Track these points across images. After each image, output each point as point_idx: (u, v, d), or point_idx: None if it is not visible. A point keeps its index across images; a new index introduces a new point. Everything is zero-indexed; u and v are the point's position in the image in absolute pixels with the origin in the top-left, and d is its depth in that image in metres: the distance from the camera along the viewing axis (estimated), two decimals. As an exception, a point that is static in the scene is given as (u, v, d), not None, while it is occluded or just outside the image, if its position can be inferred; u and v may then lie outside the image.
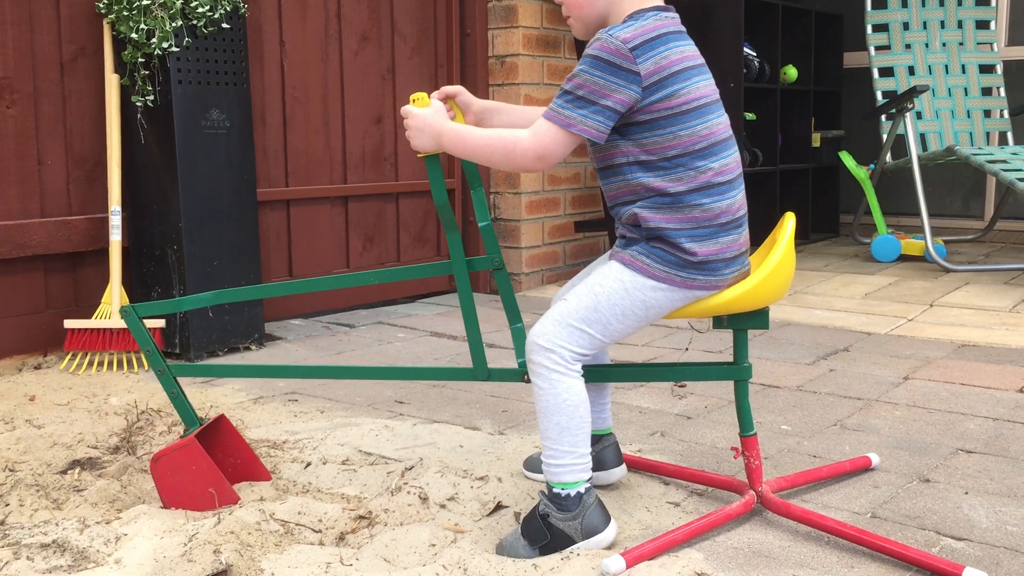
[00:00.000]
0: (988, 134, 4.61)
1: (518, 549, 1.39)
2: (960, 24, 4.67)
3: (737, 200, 1.42)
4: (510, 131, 1.40)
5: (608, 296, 1.40)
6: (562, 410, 1.38)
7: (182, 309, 1.63)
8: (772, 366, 2.49)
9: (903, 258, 4.30)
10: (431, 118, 1.43)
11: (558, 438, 1.39)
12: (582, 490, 1.39)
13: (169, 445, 1.60)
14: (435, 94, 1.51)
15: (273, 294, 1.66)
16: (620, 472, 1.65)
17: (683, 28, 1.42)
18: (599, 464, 1.64)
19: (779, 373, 2.41)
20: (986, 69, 4.64)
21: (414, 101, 1.45)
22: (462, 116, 1.55)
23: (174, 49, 2.47)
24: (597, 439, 1.64)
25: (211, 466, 1.55)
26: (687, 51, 1.39)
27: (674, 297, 1.41)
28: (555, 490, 1.40)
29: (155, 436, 1.92)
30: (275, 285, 1.69)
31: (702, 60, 1.42)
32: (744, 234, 1.44)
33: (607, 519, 1.41)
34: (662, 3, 1.43)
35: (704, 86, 1.39)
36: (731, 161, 1.41)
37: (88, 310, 2.58)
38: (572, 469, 1.39)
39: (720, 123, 1.41)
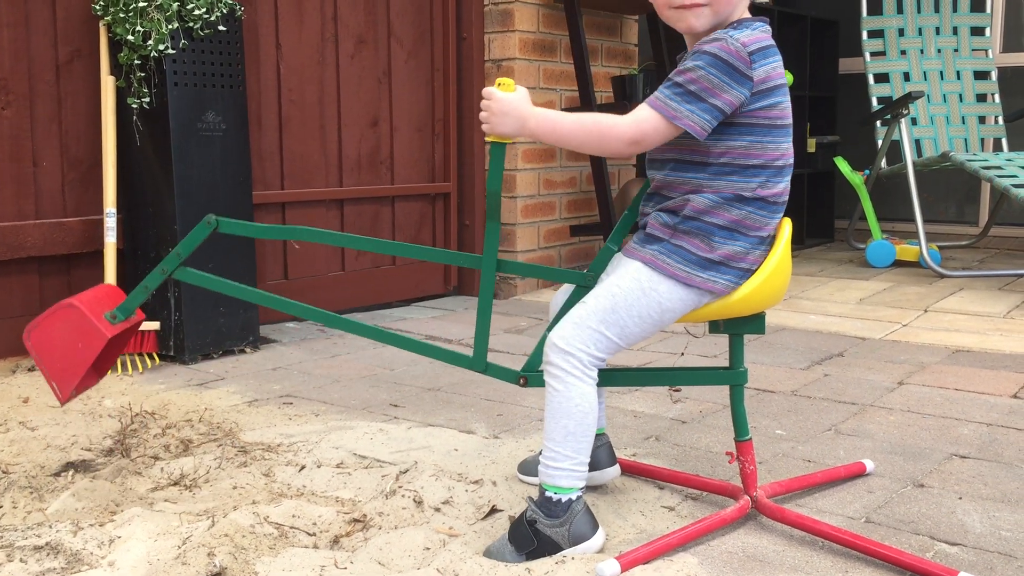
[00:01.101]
0: (983, 140, 4.62)
1: (505, 555, 1.39)
2: (955, 31, 4.69)
3: (777, 222, 1.45)
4: (605, 115, 1.38)
5: (625, 297, 1.40)
6: (572, 415, 1.38)
7: (259, 235, 1.57)
8: (767, 371, 2.49)
9: (898, 263, 4.32)
10: (517, 101, 1.37)
11: (562, 441, 1.39)
12: (573, 497, 1.39)
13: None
14: None
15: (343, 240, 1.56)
16: (614, 472, 1.65)
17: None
18: (593, 464, 1.63)
19: (774, 378, 2.42)
20: (981, 75, 4.66)
21: (499, 85, 1.38)
22: None
23: (170, 51, 2.46)
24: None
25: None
26: (781, 67, 1.41)
27: (688, 299, 1.41)
28: (547, 493, 1.40)
29: (149, 439, 1.91)
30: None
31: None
32: (767, 254, 1.45)
33: (595, 526, 1.41)
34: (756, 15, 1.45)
35: (788, 106, 1.41)
36: (788, 186, 1.44)
37: (83, 312, 2.57)
38: (569, 475, 1.39)
39: (790, 148, 1.42)
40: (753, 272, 1.43)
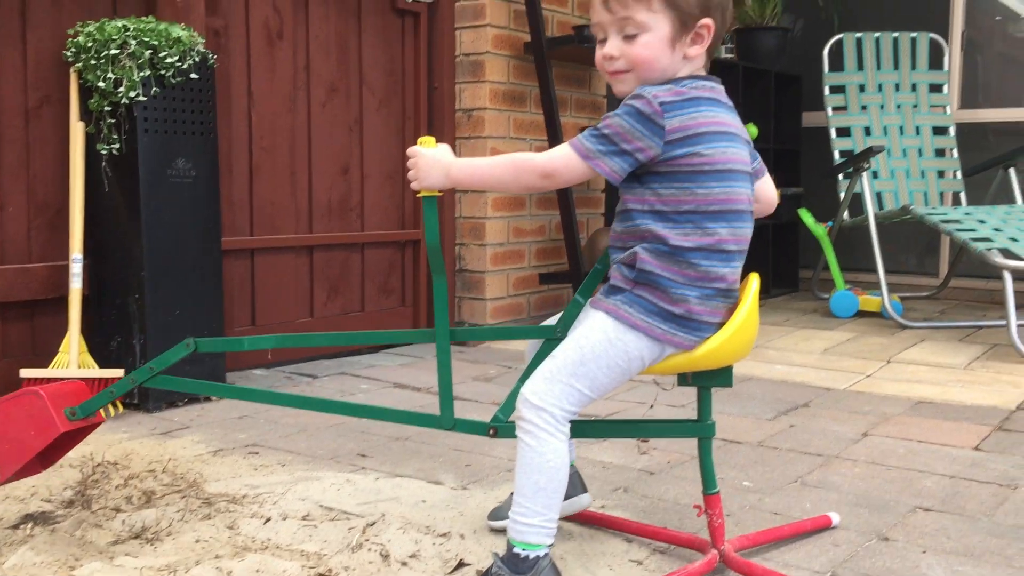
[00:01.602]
0: (942, 194, 4.73)
1: None
2: (914, 87, 4.81)
3: (735, 271, 1.46)
4: (521, 152, 1.46)
5: (593, 348, 1.42)
6: (543, 470, 1.39)
7: (241, 348, 1.64)
8: (734, 421, 2.50)
9: (861, 314, 4.38)
10: (439, 154, 1.46)
11: (533, 497, 1.39)
12: (541, 554, 1.39)
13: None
14: None
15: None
16: (586, 500, 1.68)
17: (722, 98, 1.47)
18: (570, 490, 1.65)
19: (741, 428, 2.43)
20: (939, 131, 4.78)
21: (421, 143, 1.48)
22: None
23: (141, 98, 2.47)
24: None
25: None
26: (720, 117, 1.43)
27: (653, 349, 1.43)
28: (515, 549, 1.39)
29: (111, 489, 1.88)
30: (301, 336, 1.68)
31: (737, 130, 1.46)
32: (730, 305, 1.47)
33: None
34: (707, 74, 1.49)
35: (732, 153, 1.43)
36: (743, 233, 1.45)
37: (46, 359, 2.54)
38: (539, 531, 1.39)
39: (741, 193, 1.44)
40: (717, 325, 1.45)
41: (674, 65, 1.45)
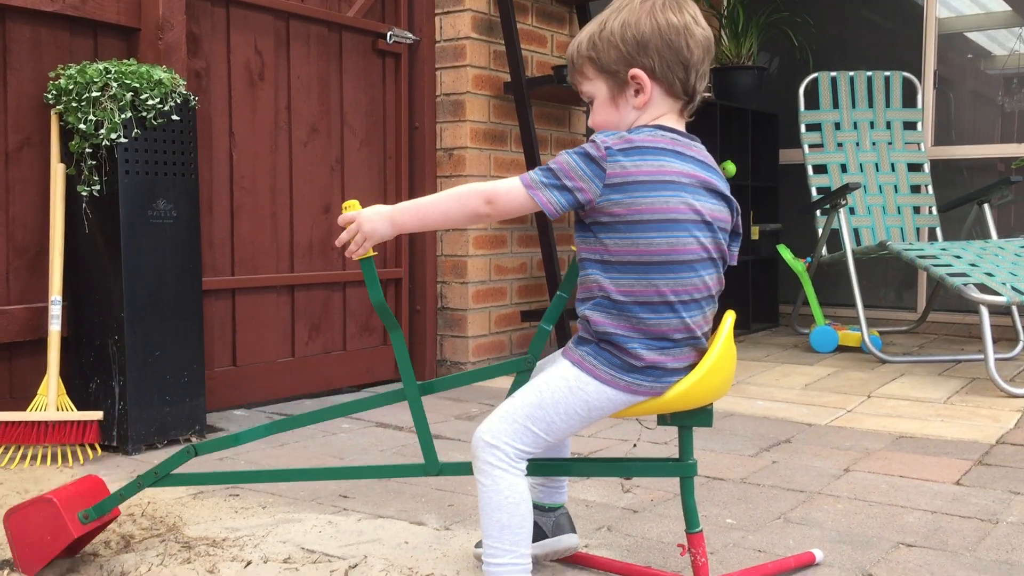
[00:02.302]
0: (918, 230, 4.79)
1: None
2: (888, 125, 4.89)
3: (695, 320, 1.44)
4: (461, 186, 1.48)
5: (552, 394, 1.43)
6: (504, 508, 1.39)
7: (239, 443, 1.67)
8: (716, 457, 2.51)
9: (841, 349, 4.40)
10: (373, 208, 1.50)
11: (499, 536, 1.40)
12: None
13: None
14: None
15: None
16: (576, 538, 1.68)
17: (684, 149, 1.45)
18: (557, 530, 1.67)
19: (723, 465, 2.43)
20: (914, 168, 4.85)
21: (347, 208, 1.51)
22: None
23: (122, 140, 2.47)
24: (554, 508, 1.68)
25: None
26: (670, 166, 1.42)
27: (616, 399, 1.43)
28: None
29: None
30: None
31: (697, 182, 1.44)
32: (699, 349, 1.47)
33: None
34: (674, 123, 1.48)
35: (676, 202, 1.41)
36: (696, 282, 1.43)
37: (23, 402, 2.51)
38: (512, 569, 1.39)
39: (687, 243, 1.42)
40: (689, 367, 1.45)
41: (625, 119, 1.49)
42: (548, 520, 1.68)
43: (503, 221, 3.88)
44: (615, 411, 1.46)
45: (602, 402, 1.43)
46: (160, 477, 1.68)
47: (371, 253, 1.52)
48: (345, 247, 1.51)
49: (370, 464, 1.69)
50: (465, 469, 1.57)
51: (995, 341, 3.55)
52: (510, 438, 1.41)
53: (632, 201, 1.39)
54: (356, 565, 1.70)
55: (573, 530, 1.69)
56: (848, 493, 2.18)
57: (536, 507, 1.66)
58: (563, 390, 1.43)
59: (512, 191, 1.44)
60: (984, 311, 3.39)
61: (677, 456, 1.53)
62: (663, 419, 1.51)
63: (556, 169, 1.42)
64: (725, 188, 1.49)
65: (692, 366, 1.46)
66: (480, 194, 1.45)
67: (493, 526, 1.40)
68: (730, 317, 1.51)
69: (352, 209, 1.51)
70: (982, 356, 3.54)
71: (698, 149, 1.48)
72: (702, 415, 1.49)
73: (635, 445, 2.65)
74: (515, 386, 1.55)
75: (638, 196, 1.40)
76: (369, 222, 1.48)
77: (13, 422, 2.40)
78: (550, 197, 1.41)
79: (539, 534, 1.66)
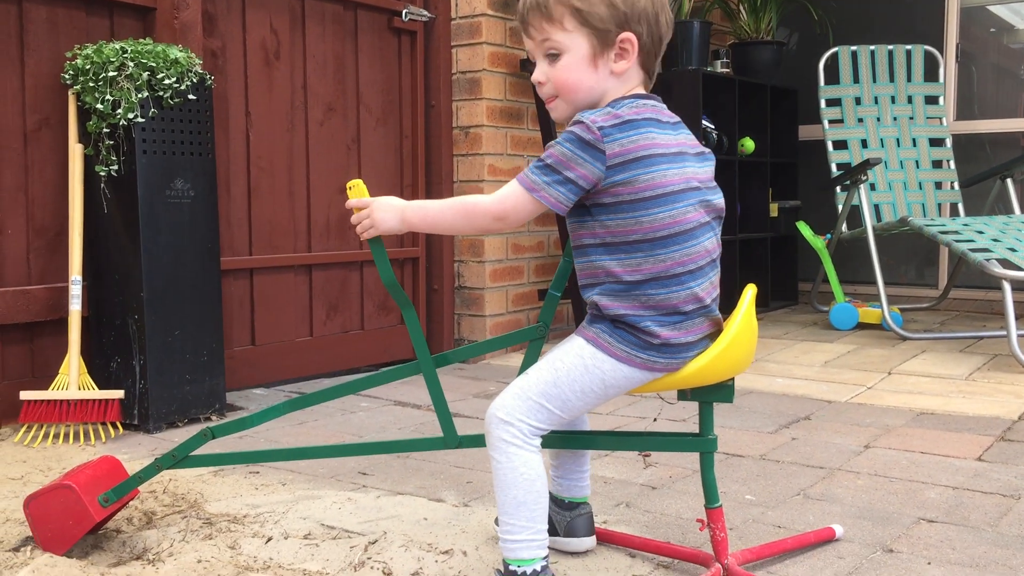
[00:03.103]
0: (940, 205, 4.74)
1: None
2: (910, 99, 4.83)
3: (703, 287, 1.43)
4: (473, 195, 1.45)
5: (568, 372, 1.41)
6: (519, 484, 1.39)
7: (254, 425, 1.68)
8: (735, 435, 2.50)
9: (861, 326, 4.37)
10: (388, 199, 1.47)
11: (515, 512, 1.39)
12: (539, 567, 1.39)
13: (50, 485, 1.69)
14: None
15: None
16: (589, 543, 1.65)
17: (664, 116, 1.44)
18: (570, 531, 1.64)
19: (742, 442, 2.43)
20: (936, 143, 4.79)
21: (351, 188, 1.49)
22: None
23: (139, 120, 2.47)
24: (573, 506, 1.65)
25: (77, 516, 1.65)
26: (660, 139, 1.40)
27: (633, 376, 1.42)
28: (511, 567, 1.39)
29: (112, 511, 1.87)
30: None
31: (680, 148, 1.42)
32: (712, 318, 1.45)
33: None
34: (647, 92, 1.46)
35: (672, 174, 1.39)
36: (699, 250, 1.42)
37: (45, 381, 2.53)
38: (529, 545, 1.39)
39: (688, 212, 1.40)
40: (703, 343, 1.44)
41: (601, 84, 1.42)
42: (563, 519, 1.64)
43: (520, 199, 3.86)
44: (631, 388, 1.45)
45: (618, 380, 1.42)
46: (178, 460, 1.69)
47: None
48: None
49: (396, 441, 1.69)
50: (484, 442, 1.56)
51: (1018, 317, 3.51)
52: (524, 415, 1.40)
53: (633, 179, 1.37)
54: (376, 541, 1.70)
55: (589, 533, 1.65)
56: (868, 469, 2.17)
57: (553, 500, 1.66)
58: (579, 368, 1.42)
59: (519, 201, 1.39)
60: (1007, 286, 3.36)
61: (697, 432, 1.52)
62: (683, 395, 1.50)
63: (553, 163, 1.36)
64: (700, 146, 1.48)
65: (708, 337, 1.45)
66: (490, 212, 1.41)
67: (509, 503, 1.39)
68: (750, 291, 1.49)
69: (357, 189, 1.49)
70: (1004, 332, 3.51)
71: (670, 114, 1.47)
72: (723, 391, 1.48)
73: (655, 420, 2.64)
74: (528, 354, 1.55)
75: (638, 173, 1.37)
76: (380, 211, 1.46)
77: (36, 401, 2.42)
78: (555, 194, 1.37)
79: (550, 529, 1.64)
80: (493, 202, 1.41)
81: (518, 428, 1.40)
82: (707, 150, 1.49)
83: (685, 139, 1.45)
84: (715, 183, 1.48)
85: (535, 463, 1.40)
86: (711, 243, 1.45)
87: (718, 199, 1.46)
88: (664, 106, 1.46)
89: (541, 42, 1.43)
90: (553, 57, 1.43)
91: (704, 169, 1.46)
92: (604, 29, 1.39)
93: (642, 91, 1.46)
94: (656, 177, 1.38)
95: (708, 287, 1.44)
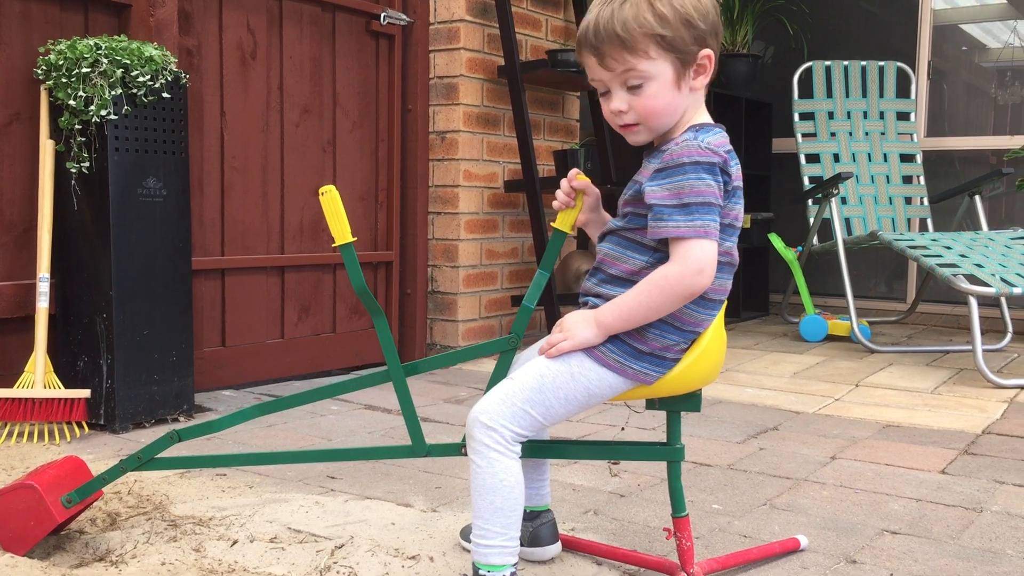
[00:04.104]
0: (909, 220, 4.80)
1: None
2: (882, 115, 4.89)
3: (714, 317, 1.46)
4: (655, 273, 1.37)
5: (553, 379, 1.42)
6: (498, 490, 1.39)
7: (222, 428, 1.66)
8: (703, 444, 2.51)
9: (830, 338, 4.42)
10: (581, 313, 1.43)
11: (491, 518, 1.39)
12: (507, 574, 1.39)
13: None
14: (576, 183, 1.50)
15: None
16: (555, 550, 1.65)
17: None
18: (534, 540, 1.63)
19: (710, 451, 2.44)
20: (907, 158, 4.85)
21: (323, 194, 1.47)
22: (581, 202, 1.53)
23: (112, 117, 2.45)
24: (535, 515, 1.64)
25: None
26: (737, 171, 1.43)
27: (616, 385, 1.43)
28: (480, 572, 1.39)
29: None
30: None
31: (739, 184, 1.45)
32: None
33: None
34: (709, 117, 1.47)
35: (739, 209, 1.43)
36: (728, 285, 1.46)
37: (10, 379, 2.50)
38: (501, 551, 1.39)
39: (734, 248, 1.45)
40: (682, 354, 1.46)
41: (683, 103, 1.43)
42: (526, 529, 1.62)
43: (494, 205, 3.88)
44: (612, 396, 1.45)
45: (602, 389, 1.43)
46: (143, 462, 1.67)
47: (352, 239, 1.48)
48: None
49: (357, 446, 1.69)
50: (452, 450, 1.56)
51: (983, 332, 3.56)
52: (508, 421, 1.40)
53: (729, 206, 1.40)
54: (342, 545, 1.70)
55: (554, 540, 1.65)
56: (834, 480, 2.19)
57: None
58: (564, 375, 1.42)
59: (705, 249, 1.34)
60: (973, 301, 3.40)
61: (665, 441, 1.53)
62: (652, 403, 1.51)
63: (707, 200, 1.34)
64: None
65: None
66: (685, 275, 1.34)
67: (486, 508, 1.39)
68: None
69: (329, 194, 1.46)
70: (970, 347, 3.56)
71: None
72: (691, 400, 1.49)
73: (623, 428, 2.65)
74: (499, 366, 1.55)
75: (732, 201, 1.40)
76: (575, 325, 1.41)
77: (0, 399, 2.39)
78: (717, 227, 1.36)
79: None
80: (681, 266, 1.34)
81: (500, 434, 1.39)
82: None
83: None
84: None
85: (515, 470, 1.40)
86: (731, 280, 1.49)
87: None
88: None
89: (621, 72, 1.39)
90: (635, 87, 1.40)
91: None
92: (687, 51, 1.38)
93: (707, 115, 1.47)
94: (736, 209, 1.42)
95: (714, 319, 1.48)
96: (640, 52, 1.37)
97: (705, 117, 1.46)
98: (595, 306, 1.46)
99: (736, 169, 1.40)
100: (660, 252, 1.41)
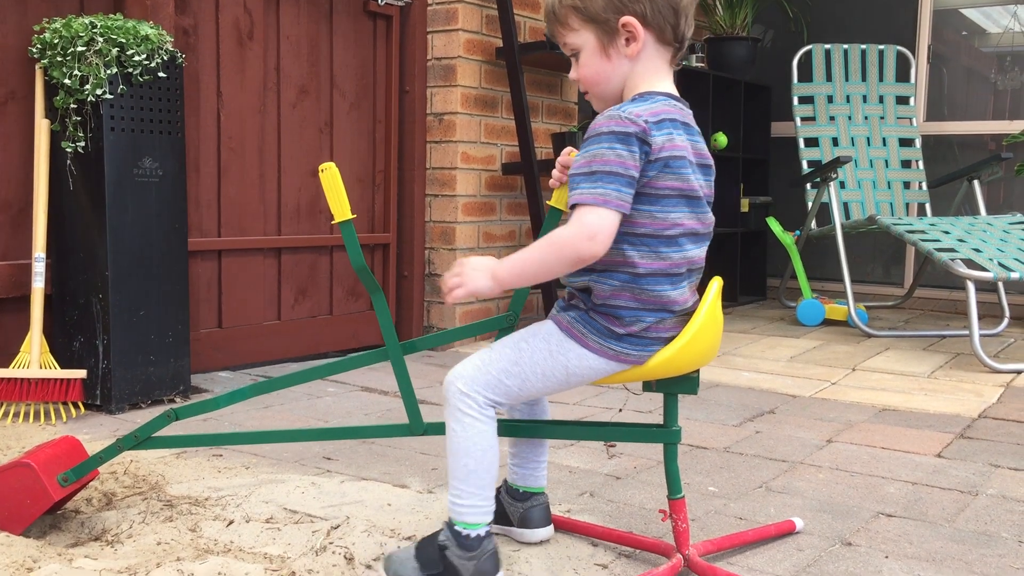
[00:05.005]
0: (907, 205, 4.79)
1: (408, 569, 1.42)
2: (881, 99, 4.88)
3: (684, 293, 1.45)
4: (552, 233, 1.39)
5: (531, 354, 1.43)
6: (471, 453, 1.41)
7: (219, 407, 1.66)
8: (700, 427, 2.51)
9: (827, 322, 4.42)
10: (481, 260, 1.42)
11: (465, 479, 1.42)
12: (483, 533, 1.42)
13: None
14: (569, 160, 1.50)
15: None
16: (544, 533, 1.66)
17: (690, 122, 1.44)
18: (523, 521, 1.64)
19: (707, 434, 2.44)
20: (906, 143, 4.84)
21: (323, 171, 1.49)
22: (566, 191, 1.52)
23: (108, 96, 2.44)
24: (527, 495, 1.65)
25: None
26: (681, 140, 1.40)
27: (598, 367, 1.43)
28: (456, 528, 1.42)
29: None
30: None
31: (697, 158, 1.43)
32: (685, 319, 1.46)
33: (498, 567, 1.44)
34: (670, 85, 1.46)
35: (693, 180, 1.41)
36: (694, 256, 1.44)
37: (6, 359, 2.50)
38: (476, 511, 1.42)
39: (693, 218, 1.42)
40: (672, 337, 1.45)
41: (619, 71, 1.44)
42: (517, 509, 1.65)
43: (491, 188, 3.86)
44: (597, 379, 1.45)
45: (583, 369, 1.43)
46: (140, 440, 1.67)
47: (351, 216, 1.51)
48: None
49: (361, 427, 1.69)
50: (450, 430, 1.56)
51: (981, 317, 3.56)
52: (483, 387, 1.42)
53: (663, 175, 1.38)
54: (338, 526, 1.70)
55: (545, 524, 1.65)
56: (830, 463, 2.20)
57: (508, 490, 1.67)
58: (543, 351, 1.43)
59: (599, 218, 1.33)
60: (971, 286, 3.40)
61: (662, 423, 1.53)
62: (648, 386, 1.51)
63: (612, 169, 1.34)
64: (710, 158, 1.48)
65: (674, 336, 1.46)
66: (576, 237, 1.34)
67: (460, 469, 1.42)
68: (716, 283, 1.50)
69: (329, 172, 1.48)
70: (967, 332, 3.56)
71: (691, 116, 1.47)
72: (687, 383, 1.49)
73: (620, 410, 2.65)
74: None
75: (667, 171, 1.38)
76: (473, 271, 1.40)
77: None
78: (624, 198, 1.35)
79: (503, 519, 1.65)
80: (574, 228, 1.34)
81: (474, 400, 1.42)
82: (712, 164, 1.50)
83: (703, 149, 1.46)
84: (712, 197, 1.49)
85: (489, 434, 1.42)
86: (702, 253, 1.47)
87: (708, 215, 1.47)
88: (690, 111, 1.46)
89: (564, 46, 1.48)
90: (576, 57, 1.47)
91: (708, 183, 1.47)
92: (604, 19, 1.41)
93: (666, 83, 1.46)
94: (679, 179, 1.39)
95: (688, 292, 1.47)
96: (568, 24, 1.45)
97: (659, 86, 1.44)
98: (572, 294, 1.47)
99: (662, 139, 1.37)
100: (628, 236, 1.40)
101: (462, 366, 1.43)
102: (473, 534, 1.42)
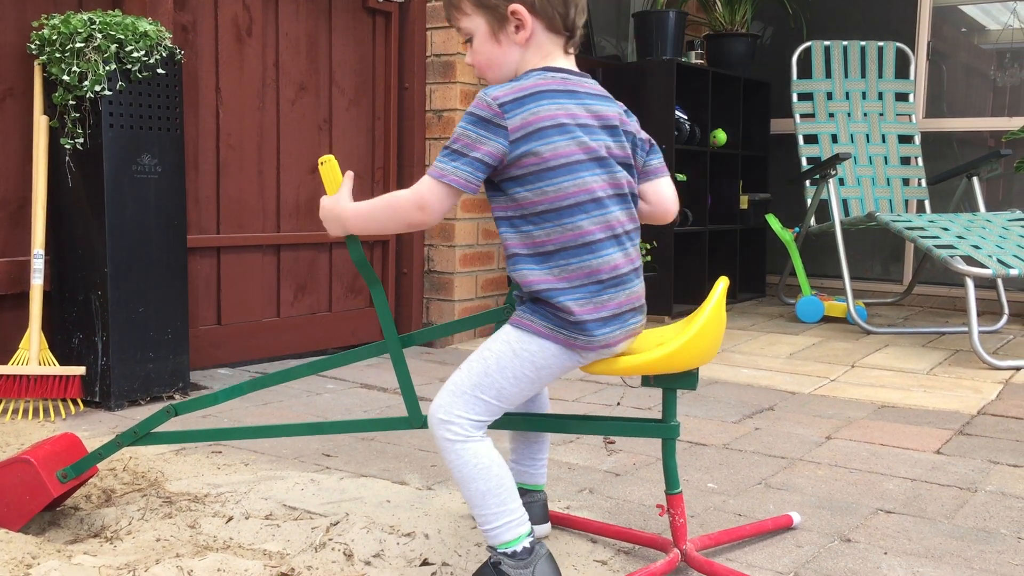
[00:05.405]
0: (907, 202, 4.79)
1: None
2: (881, 96, 4.87)
3: (618, 258, 1.42)
4: (393, 193, 1.46)
5: (497, 360, 1.41)
6: (478, 476, 1.38)
7: (218, 402, 1.66)
8: (699, 423, 2.52)
9: (826, 319, 4.42)
10: (332, 206, 1.50)
11: (484, 502, 1.39)
12: (527, 544, 1.38)
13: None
14: None
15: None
16: (543, 530, 1.66)
17: (577, 87, 1.44)
18: None
19: (706, 431, 2.44)
20: (905, 139, 4.84)
21: (323, 164, 1.52)
22: None
23: (106, 92, 2.44)
24: (525, 492, 1.64)
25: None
26: (567, 109, 1.40)
27: (562, 356, 1.41)
28: (500, 552, 1.39)
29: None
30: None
31: (588, 120, 1.42)
32: (630, 292, 1.44)
33: (557, 571, 1.40)
34: (563, 63, 1.46)
35: (574, 145, 1.40)
36: (611, 219, 1.42)
37: (5, 356, 2.50)
38: (509, 526, 1.39)
39: (594, 182, 1.41)
40: (621, 319, 1.42)
41: (510, 56, 1.46)
42: None
43: (492, 184, 3.86)
44: (565, 370, 1.44)
45: (548, 360, 1.41)
46: (139, 436, 1.67)
47: (344, 236, 1.53)
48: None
49: (360, 420, 1.68)
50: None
51: (980, 314, 3.57)
52: (462, 410, 1.39)
53: (537, 150, 1.38)
54: (338, 523, 1.70)
55: (543, 520, 1.65)
56: (829, 460, 2.20)
57: None
58: (507, 354, 1.41)
59: (432, 189, 1.39)
60: (970, 283, 3.40)
61: (660, 418, 1.53)
62: (647, 381, 1.51)
63: (459, 148, 1.37)
64: (619, 120, 1.47)
65: (632, 311, 1.44)
66: (408, 203, 1.41)
67: (475, 495, 1.39)
68: (722, 283, 1.49)
69: (328, 165, 1.52)
70: (966, 328, 3.56)
71: (590, 85, 1.47)
72: (687, 378, 1.49)
73: (618, 403, 2.65)
74: None
75: (541, 144, 1.38)
76: (327, 221, 1.51)
77: (-5, 376, 2.38)
78: (463, 175, 1.37)
79: None
80: (411, 193, 1.41)
81: (459, 425, 1.39)
82: (627, 124, 1.49)
83: (600, 110, 1.45)
84: (629, 158, 1.48)
85: (485, 450, 1.39)
86: (624, 215, 1.45)
87: (620, 174, 1.45)
88: (580, 77, 1.47)
89: (459, 31, 1.50)
90: (469, 42, 1.49)
91: (618, 143, 1.46)
92: (493, 6, 1.44)
93: (559, 62, 1.46)
94: (560, 147, 1.39)
95: (621, 258, 1.43)
96: (461, 9, 1.48)
97: (549, 64, 1.46)
98: (518, 284, 1.45)
99: (525, 115, 1.37)
100: (509, 220, 1.42)
101: (438, 397, 1.42)
102: (520, 548, 1.38)
